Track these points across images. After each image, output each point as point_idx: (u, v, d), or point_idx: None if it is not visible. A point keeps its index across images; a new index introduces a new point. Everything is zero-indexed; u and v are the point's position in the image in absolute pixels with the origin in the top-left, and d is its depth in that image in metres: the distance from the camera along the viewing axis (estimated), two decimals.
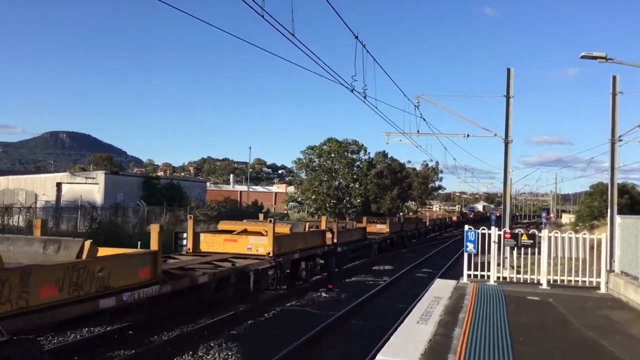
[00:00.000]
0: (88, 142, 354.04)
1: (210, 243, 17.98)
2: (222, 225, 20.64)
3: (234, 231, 19.21)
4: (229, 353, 11.49)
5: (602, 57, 15.70)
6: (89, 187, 42.44)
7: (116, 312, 10.82)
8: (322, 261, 21.82)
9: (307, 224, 23.13)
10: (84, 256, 9.72)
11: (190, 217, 19.02)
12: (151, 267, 11.30)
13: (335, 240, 24.00)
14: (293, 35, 10.47)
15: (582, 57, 15.97)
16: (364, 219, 34.80)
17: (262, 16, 9.23)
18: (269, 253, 17.10)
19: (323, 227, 23.42)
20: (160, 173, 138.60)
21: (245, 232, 18.93)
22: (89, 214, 30.68)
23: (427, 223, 58.40)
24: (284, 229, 19.39)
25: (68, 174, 48.77)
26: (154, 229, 11.96)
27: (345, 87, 15.79)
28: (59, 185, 43.41)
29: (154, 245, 11.67)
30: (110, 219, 31.04)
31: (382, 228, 35.71)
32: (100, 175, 43.59)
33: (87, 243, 9.89)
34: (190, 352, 11.34)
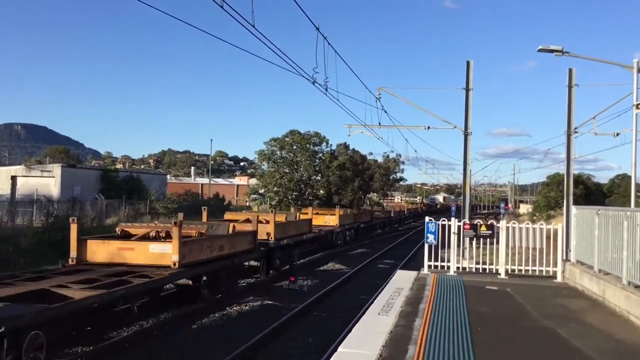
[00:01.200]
0: (44, 134, 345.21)
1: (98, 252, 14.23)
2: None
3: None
4: (188, 348, 11.38)
5: (559, 51, 16.01)
6: (45, 181, 41.40)
7: None
8: (256, 263, 19.62)
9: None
10: None
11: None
12: None
13: (272, 237, 20.85)
14: (253, 27, 10.35)
15: (539, 50, 16.25)
16: (309, 209, 32.42)
17: (222, 6, 9.08)
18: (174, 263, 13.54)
19: (252, 226, 19.36)
20: (119, 166, 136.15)
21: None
22: (45, 208, 29.92)
23: (392, 214, 58.89)
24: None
25: (23, 167, 47.45)
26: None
27: (307, 80, 15.70)
28: (13, 178, 42.26)
29: None
30: (67, 213, 30.32)
31: (331, 220, 32.65)
32: (56, 169, 42.56)
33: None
34: (149, 348, 11.18)
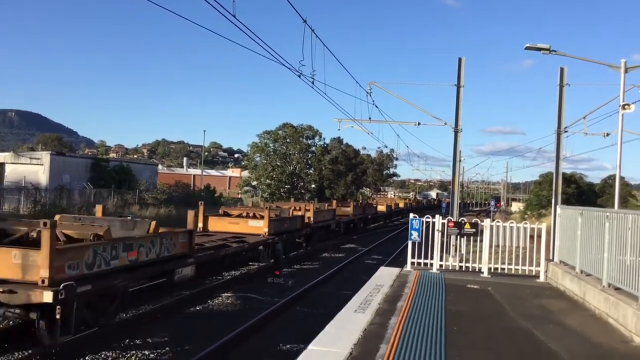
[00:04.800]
0: (38, 121, 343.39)
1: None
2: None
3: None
4: (166, 340, 11.25)
5: (546, 49, 15.89)
6: (34, 168, 41.10)
7: None
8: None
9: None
10: None
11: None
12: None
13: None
14: (234, 16, 10.18)
15: (527, 48, 16.14)
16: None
17: None
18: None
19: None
20: (112, 155, 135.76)
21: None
22: (32, 196, 29.73)
23: (384, 209, 57.39)
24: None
25: (12, 153, 47.10)
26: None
27: (293, 72, 15.53)
28: (1, 165, 41.95)
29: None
30: (54, 201, 30.15)
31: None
32: (45, 156, 42.24)
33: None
34: (127, 340, 11.04)
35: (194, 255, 14.62)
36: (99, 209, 16.65)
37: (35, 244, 10.35)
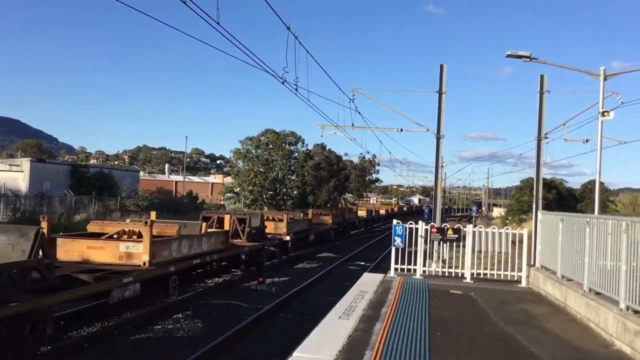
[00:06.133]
0: (17, 127, 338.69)
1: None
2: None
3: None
4: (149, 349, 11.17)
5: (527, 57, 16.10)
6: (14, 175, 40.62)
7: None
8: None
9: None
10: None
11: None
12: None
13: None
14: (218, 24, 10.19)
15: (508, 55, 16.34)
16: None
17: (184, 2, 8.91)
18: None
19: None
20: (93, 161, 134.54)
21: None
22: (12, 203, 29.37)
23: (366, 214, 57.18)
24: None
25: None
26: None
27: (277, 79, 15.56)
28: None
29: None
30: (34, 208, 29.80)
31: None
32: (25, 163, 41.78)
33: None
34: (109, 348, 10.95)
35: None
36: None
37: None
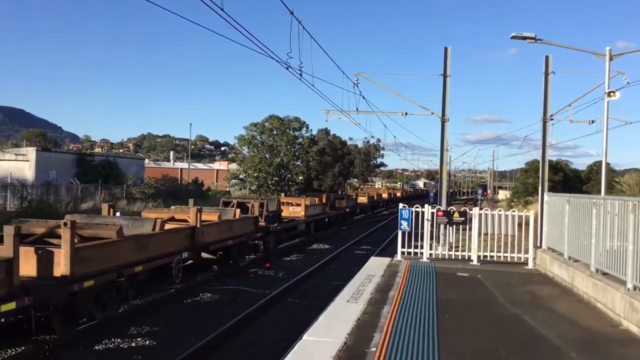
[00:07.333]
0: (21, 117, 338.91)
1: None
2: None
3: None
4: (160, 334, 11.28)
5: (532, 38, 15.99)
6: (20, 164, 40.78)
7: None
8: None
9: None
10: None
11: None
12: None
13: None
14: (222, 9, 10.16)
15: (512, 37, 16.23)
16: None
17: None
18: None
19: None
20: (97, 150, 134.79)
21: None
22: (19, 192, 29.52)
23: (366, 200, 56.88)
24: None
25: None
26: None
27: (281, 65, 15.53)
28: None
29: None
30: (41, 197, 29.93)
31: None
32: (31, 152, 41.92)
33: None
34: (120, 335, 11.06)
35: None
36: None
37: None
